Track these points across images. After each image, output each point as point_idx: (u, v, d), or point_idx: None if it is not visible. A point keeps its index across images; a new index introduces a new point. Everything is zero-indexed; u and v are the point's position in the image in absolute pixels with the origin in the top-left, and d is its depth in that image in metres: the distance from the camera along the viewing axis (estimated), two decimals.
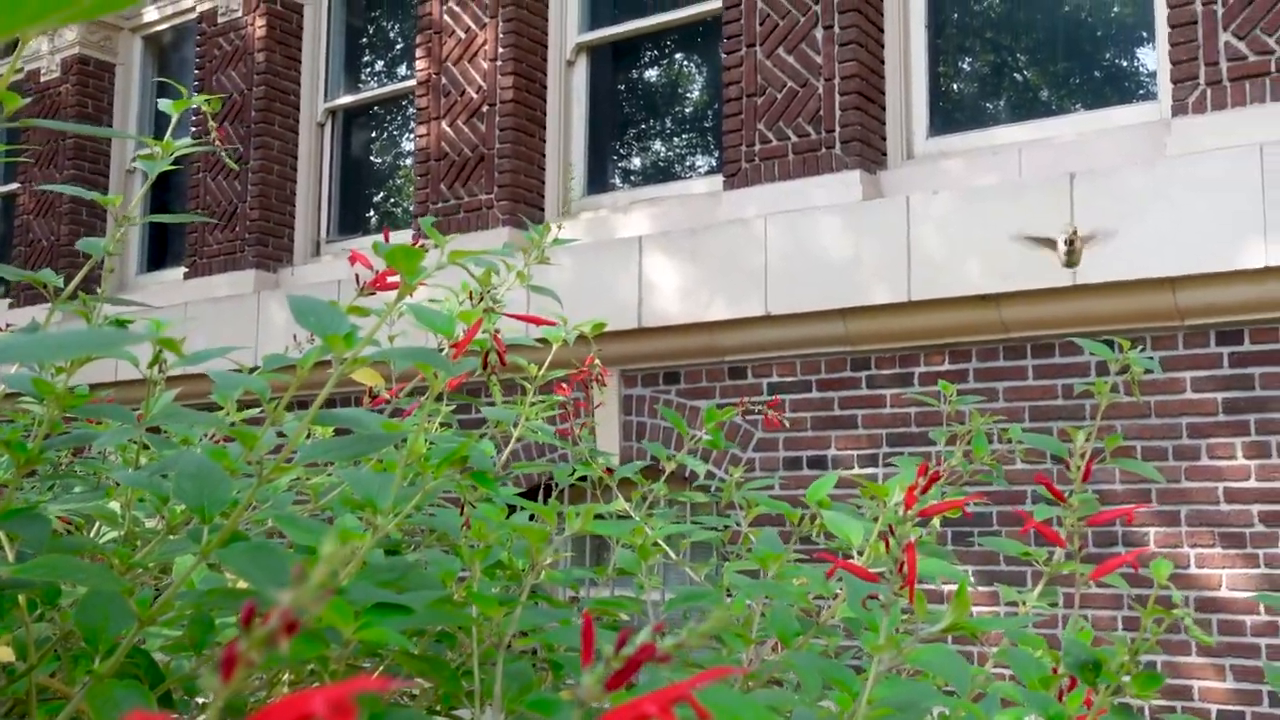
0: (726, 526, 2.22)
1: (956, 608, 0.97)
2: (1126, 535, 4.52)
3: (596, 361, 2.21)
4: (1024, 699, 1.13)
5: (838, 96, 5.44)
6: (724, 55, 5.84)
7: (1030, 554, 1.66)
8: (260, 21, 7.87)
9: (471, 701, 1.27)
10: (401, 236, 6.84)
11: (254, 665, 0.41)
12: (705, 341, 5.47)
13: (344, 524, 1.27)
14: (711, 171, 6.36)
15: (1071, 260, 4.35)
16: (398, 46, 8.14)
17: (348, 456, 1.18)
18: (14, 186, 9.26)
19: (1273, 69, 4.48)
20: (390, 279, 1.20)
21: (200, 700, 1.36)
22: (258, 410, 1.70)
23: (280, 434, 1.37)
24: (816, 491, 1.54)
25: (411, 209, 7.16)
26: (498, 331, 1.48)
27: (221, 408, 1.55)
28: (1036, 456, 4.50)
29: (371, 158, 8.14)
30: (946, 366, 4.95)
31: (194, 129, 7.88)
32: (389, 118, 8.07)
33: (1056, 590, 1.72)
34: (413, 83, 7.29)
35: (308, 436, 1.72)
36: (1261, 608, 4.25)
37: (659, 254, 5.56)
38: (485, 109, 6.63)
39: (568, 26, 6.82)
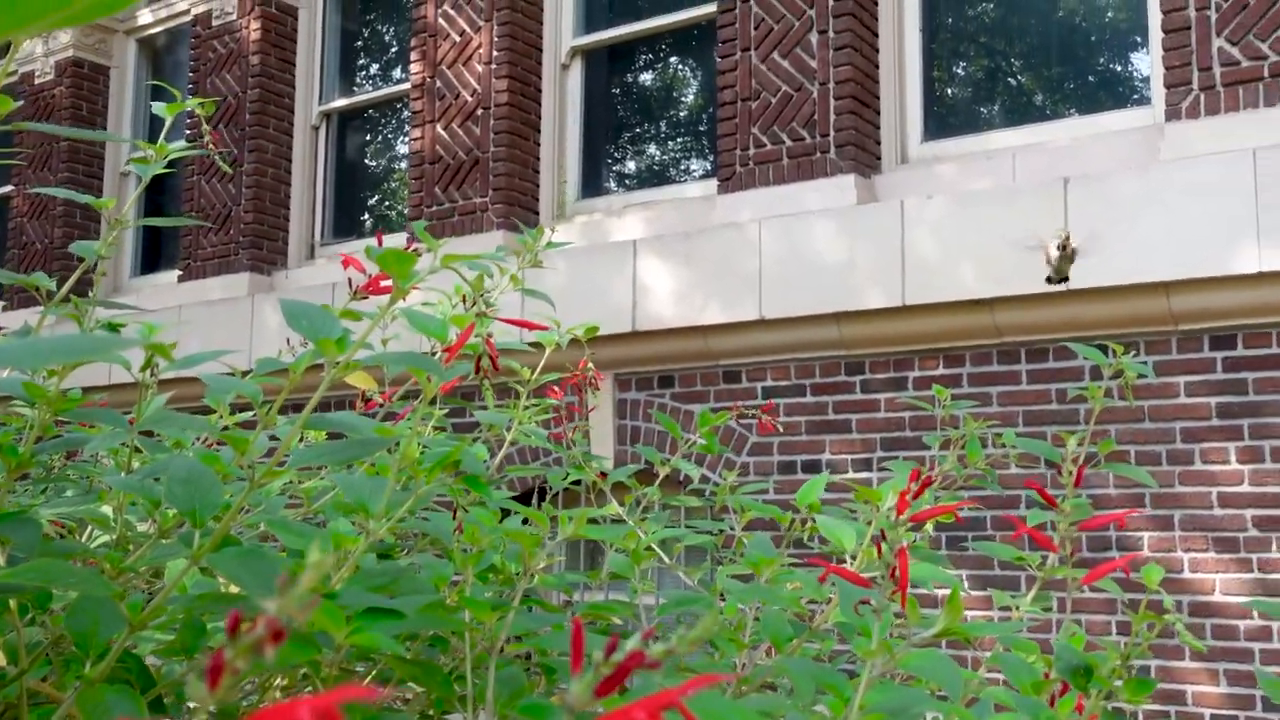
0: (720, 531, 2.22)
1: (949, 613, 0.97)
2: (1120, 540, 4.52)
3: (590, 365, 2.21)
4: (1016, 704, 1.13)
5: (832, 101, 5.45)
6: (719, 59, 5.84)
7: (1024, 559, 1.66)
8: (255, 24, 7.87)
9: (464, 706, 1.26)
10: (396, 240, 6.85)
11: (240, 673, 0.41)
12: (699, 345, 5.47)
13: (337, 528, 1.27)
14: (706, 175, 6.36)
15: (1060, 270, 4.36)
16: (392, 50, 8.14)
17: (340, 460, 1.18)
18: (8, 189, 9.25)
19: (1266, 74, 4.49)
20: (383, 283, 1.20)
21: (192, 705, 1.36)
22: (251, 414, 1.69)
23: (273, 438, 1.37)
24: (806, 495, 1.54)
25: (406, 212, 7.15)
26: (490, 336, 1.48)
27: (215, 411, 1.55)
28: (1030, 461, 4.50)
29: (366, 161, 8.14)
30: (940, 371, 4.95)
31: (188, 132, 7.88)
32: (383, 121, 8.06)
33: (1050, 595, 1.72)
34: (407, 86, 7.28)
35: (300, 440, 1.71)
36: (1255, 612, 4.26)
37: (653, 258, 5.57)
38: (480, 112, 6.63)
39: (563, 30, 6.83)
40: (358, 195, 8.07)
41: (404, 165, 7.74)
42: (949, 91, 5.84)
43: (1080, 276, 4.50)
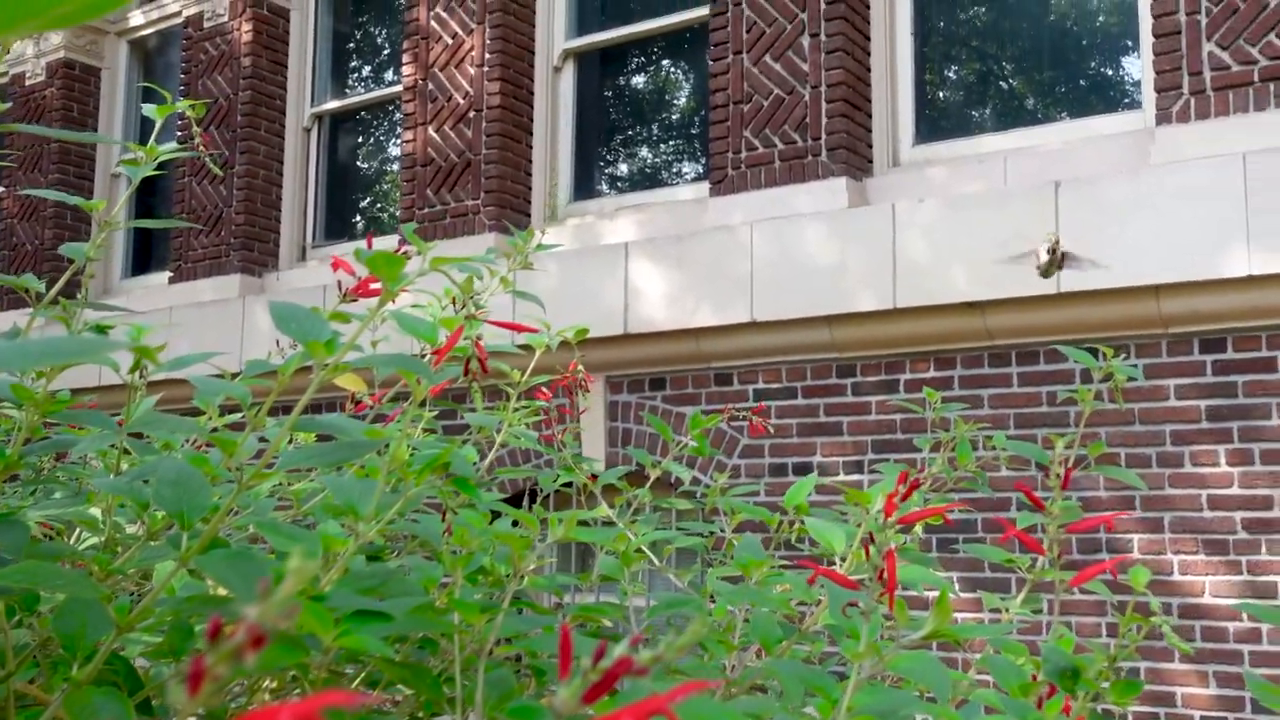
0: (711, 533, 2.22)
1: (937, 615, 0.97)
2: (1111, 542, 4.53)
3: (580, 367, 2.21)
4: (1004, 706, 1.14)
5: (824, 104, 5.46)
6: (711, 62, 5.85)
7: (1014, 561, 1.67)
8: (246, 26, 7.86)
9: (453, 708, 1.26)
10: (387, 242, 6.84)
11: (221, 680, 0.41)
12: (691, 348, 5.47)
13: (326, 530, 1.27)
14: (698, 178, 6.37)
15: (1047, 273, 4.38)
16: (384, 52, 8.14)
17: (329, 462, 1.18)
18: None
19: (1255, 79, 4.51)
20: (372, 285, 1.20)
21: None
22: (240, 416, 1.69)
23: (263, 440, 1.37)
24: (794, 496, 1.54)
25: (398, 214, 7.15)
26: (479, 338, 1.48)
27: (205, 413, 1.55)
28: (1022, 464, 4.51)
29: (358, 163, 8.13)
30: (932, 373, 4.96)
31: (179, 134, 7.87)
32: (375, 123, 8.06)
33: (1041, 597, 1.73)
34: (399, 88, 7.28)
35: (290, 442, 1.71)
36: (1244, 614, 4.27)
37: (645, 260, 5.57)
38: (472, 115, 6.63)
39: (555, 33, 6.83)
40: (349, 197, 8.06)
41: (396, 167, 7.73)
42: (940, 95, 5.86)
43: (1071, 280, 4.51)
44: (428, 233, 6.61)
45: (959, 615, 4.60)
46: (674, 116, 6.80)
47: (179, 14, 8.51)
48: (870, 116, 5.62)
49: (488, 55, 6.62)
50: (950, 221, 4.84)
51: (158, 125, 1.77)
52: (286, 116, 7.98)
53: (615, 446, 5.66)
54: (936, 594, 0.97)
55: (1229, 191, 4.30)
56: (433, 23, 6.86)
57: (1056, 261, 4.27)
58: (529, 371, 1.94)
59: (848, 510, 1.60)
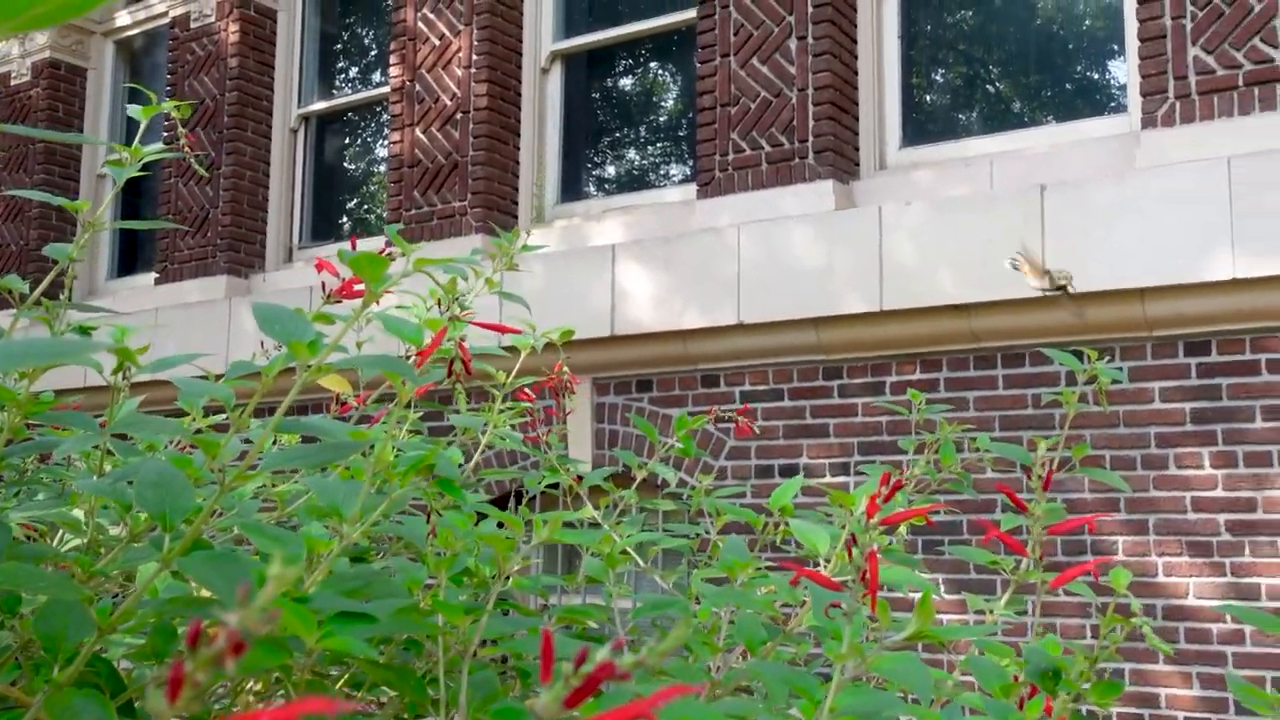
0: (696, 534, 2.22)
1: (920, 616, 0.97)
2: (1095, 544, 4.55)
3: (565, 369, 2.21)
4: (986, 707, 1.14)
5: (811, 107, 5.47)
6: (698, 65, 5.85)
7: (998, 563, 1.67)
8: (233, 27, 7.84)
9: (437, 710, 1.26)
10: (374, 243, 6.83)
11: (201, 686, 0.41)
12: (678, 350, 5.47)
13: (310, 532, 1.27)
14: (685, 180, 6.37)
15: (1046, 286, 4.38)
16: (372, 53, 8.13)
17: (313, 464, 1.18)
18: None
19: (1241, 83, 4.53)
20: (356, 287, 1.20)
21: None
22: (224, 417, 1.69)
23: (247, 441, 1.36)
24: (780, 498, 1.55)
25: (384, 215, 7.14)
26: (463, 339, 1.48)
27: (189, 414, 1.54)
28: (1007, 465, 4.53)
29: (345, 164, 8.12)
30: (918, 376, 4.97)
31: (166, 134, 7.85)
32: (362, 124, 8.05)
33: (1025, 599, 1.73)
34: (386, 89, 7.27)
35: (274, 444, 1.71)
36: (1227, 616, 4.28)
37: (632, 262, 5.57)
38: (459, 116, 6.62)
39: (542, 34, 6.83)
40: (336, 198, 8.05)
41: (383, 169, 7.72)
42: (927, 98, 5.87)
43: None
44: (414, 234, 6.61)
45: (944, 616, 4.61)
46: (661, 119, 6.81)
47: (165, 14, 8.48)
48: (857, 119, 5.63)
49: (475, 57, 6.61)
50: (937, 224, 4.85)
51: (143, 126, 1.77)
52: (273, 117, 7.96)
53: (602, 448, 5.66)
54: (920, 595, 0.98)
55: (1214, 195, 4.32)
56: (420, 24, 6.86)
57: (1052, 280, 4.25)
58: (514, 373, 1.94)
59: (832, 512, 1.60)
